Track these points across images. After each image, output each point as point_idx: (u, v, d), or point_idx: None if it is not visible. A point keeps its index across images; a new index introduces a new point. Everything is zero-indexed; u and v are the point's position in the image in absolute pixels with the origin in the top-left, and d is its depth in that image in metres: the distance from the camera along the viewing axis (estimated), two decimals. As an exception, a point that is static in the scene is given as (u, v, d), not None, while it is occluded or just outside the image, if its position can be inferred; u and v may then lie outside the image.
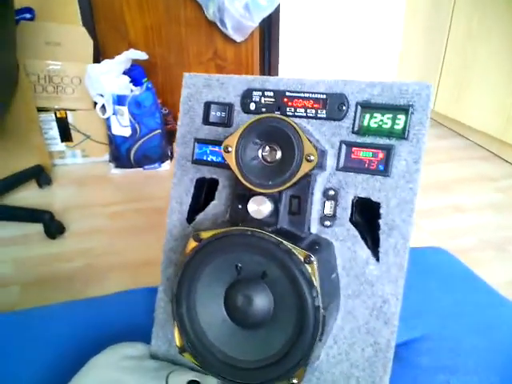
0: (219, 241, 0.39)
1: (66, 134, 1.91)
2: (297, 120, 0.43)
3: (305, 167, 0.37)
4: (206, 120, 0.47)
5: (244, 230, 0.38)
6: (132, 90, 1.70)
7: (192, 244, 0.40)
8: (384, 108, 0.40)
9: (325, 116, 0.42)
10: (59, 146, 1.93)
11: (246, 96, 0.45)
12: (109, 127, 1.81)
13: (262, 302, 0.38)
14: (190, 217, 0.48)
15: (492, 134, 2.05)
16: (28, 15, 1.77)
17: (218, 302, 0.40)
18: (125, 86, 1.66)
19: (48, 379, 0.52)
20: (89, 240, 1.48)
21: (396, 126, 0.40)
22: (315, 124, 0.43)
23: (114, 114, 1.73)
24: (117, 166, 1.89)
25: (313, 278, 0.36)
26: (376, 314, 0.41)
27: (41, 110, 1.83)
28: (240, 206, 0.41)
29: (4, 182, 1.67)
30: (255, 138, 0.39)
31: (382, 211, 0.41)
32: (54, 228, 1.48)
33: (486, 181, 1.89)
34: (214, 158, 0.47)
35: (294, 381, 0.37)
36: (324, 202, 0.43)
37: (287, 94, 0.43)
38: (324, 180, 0.42)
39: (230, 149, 0.39)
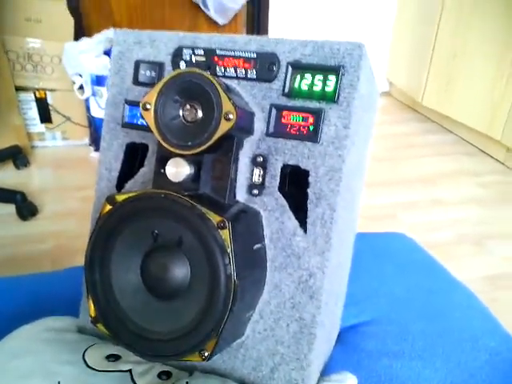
0: (133, 204, 0.37)
1: (45, 115, 1.87)
2: (227, 81, 0.40)
3: (223, 126, 0.35)
4: (136, 80, 0.44)
5: (157, 192, 0.36)
6: (112, 72, 1.66)
7: (106, 207, 0.38)
8: (315, 69, 0.38)
9: (255, 77, 0.40)
10: (39, 127, 1.90)
11: (177, 54, 0.42)
12: (88, 109, 1.77)
13: (177, 270, 0.36)
14: (120, 184, 0.46)
15: (478, 129, 2.03)
16: (8, -9, 1.72)
17: (133, 270, 0.38)
18: (104, 67, 1.62)
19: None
20: (60, 222, 1.45)
21: (326, 89, 0.38)
22: (246, 86, 0.40)
23: (92, 94, 1.69)
24: (96, 150, 1.85)
25: (226, 245, 0.34)
26: (302, 287, 0.39)
27: (19, 89, 1.79)
28: (162, 170, 0.39)
29: (-22, 161, 1.63)
30: (175, 96, 0.37)
31: (310, 180, 0.38)
32: (25, 209, 1.45)
33: (470, 176, 1.87)
34: (145, 122, 0.44)
35: (205, 353, 0.35)
36: (252, 170, 0.40)
37: (218, 52, 0.41)
38: (252, 145, 0.40)
39: (148, 106, 0.37)
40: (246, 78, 0.40)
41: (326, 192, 0.38)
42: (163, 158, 0.38)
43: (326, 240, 0.38)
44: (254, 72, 0.40)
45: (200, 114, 0.36)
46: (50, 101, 1.85)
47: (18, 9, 1.69)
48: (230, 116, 0.34)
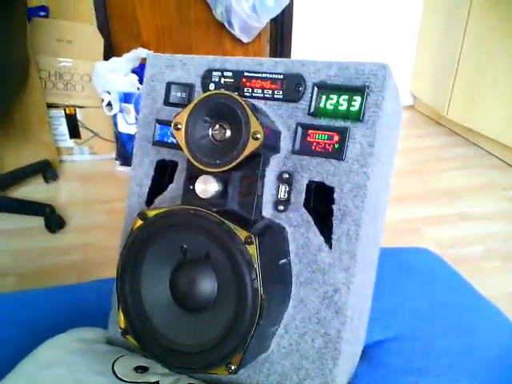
0: (163, 219, 0.38)
1: (74, 131, 1.93)
2: (254, 101, 0.42)
3: (251, 145, 0.36)
4: (167, 101, 0.46)
5: (187, 208, 0.37)
6: (139, 88, 1.72)
7: (138, 222, 0.39)
8: (340, 89, 0.39)
9: (281, 97, 0.41)
10: (68, 142, 1.96)
11: (206, 76, 0.44)
12: (115, 124, 1.82)
13: (205, 284, 0.37)
14: (150, 200, 0.48)
15: (505, 142, 1.99)
16: (42, 13, 1.80)
17: (162, 283, 0.39)
18: (132, 84, 1.67)
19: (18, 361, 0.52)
20: (87, 235, 1.49)
21: (352, 108, 0.39)
22: (272, 106, 0.42)
23: (120, 111, 1.74)
24: (122, 164, 1.90)
25: (253, 260, 0.35)
26: (327, 303, 0.39)
27: (50, 106, 1.86)
28: (191, 187, 0.40)
29: (11, 175, 1.69)
30: (205, 116, 0.38)
31: (335, 196, 0.39)
32: (54, 222, 1.49)
33: (497, 190, 1.83)
34: (175, 140, 0.46)
35: (232, 367, 0.36)
36: (278, 186, 0.41)
37: (245, 74, 0.42)
38: (279, 163, 0.41)
39: (179, 126, 0.38)
40: (272, 99, 0.41)
41: (350, 208, 0.38)
42: (192, 175, 0.40)
43: (352, 256, 0.38)
44: (281, 92, 0.41)
45: (228, 133, 0.38)
46: (79, 117, 1.91)
47: (51, 30, 1.77)
48: (258, 136, 0.36)
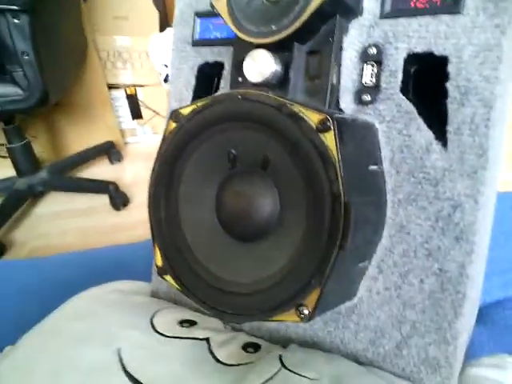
0: (201, 115, 0.28)
1: (136, 111, 1.91)
2: None
3: None
4: None
5: (232, 94, 0.27)
6: (196, 60, 1.64)
7: (171, 126, 0.29)
8: None
9: None
10: (130, 123, 1.95)
11: None
12: (174, 100, 1.77)
13: (263, 202, 0.26)
14: None
15: None
16: (98, -7, 1.79)
17: (207, 205, 0.29)
18: (188, 55, 1.60)
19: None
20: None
21: None
22: None
23: (178, 85, 1.69)
24: (184, 141, 1.85)
25: (330, 153, 0.23)
26: (442, 226, 0.27)
27: (111, 86, 1.85)
28: (240, 79, 0.30)
29: (75, 157, 1.70)
30: None
31: (450, 69, 0.26)
32: (118, 199, 1.48)
33: None
34: (219, 34, 0.36)
35: (305, 311, 0.24)
36: (362, 67, 0.29)
37: None
38: (362, 33, 0.29)
39: (219, -12, 0.28)
40: None
41: (476, 82, 0.26)
42: (241, 63, 0.29)
43: (480, 152, 0.26)
44: None
45: None
46: (140, 97, 1.88)
47: (107, 8, 1.74)
48: None
